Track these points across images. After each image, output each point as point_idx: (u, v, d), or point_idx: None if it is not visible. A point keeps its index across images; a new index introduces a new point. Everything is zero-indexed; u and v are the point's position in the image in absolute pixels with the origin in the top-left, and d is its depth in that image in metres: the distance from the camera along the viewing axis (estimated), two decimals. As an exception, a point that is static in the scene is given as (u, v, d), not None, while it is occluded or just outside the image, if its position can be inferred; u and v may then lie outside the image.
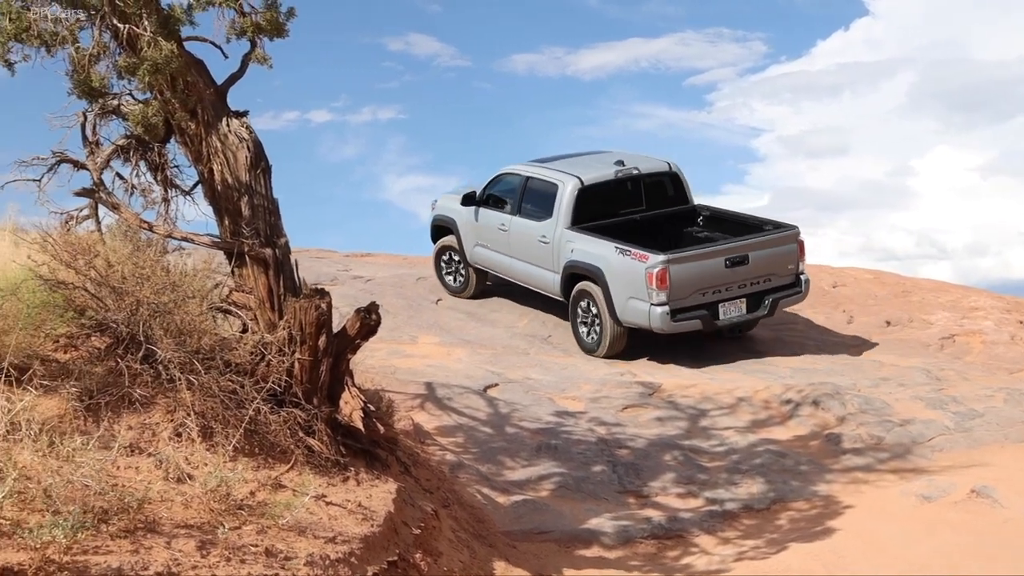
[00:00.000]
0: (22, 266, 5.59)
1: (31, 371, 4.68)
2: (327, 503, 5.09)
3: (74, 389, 4.91)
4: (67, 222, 6.35)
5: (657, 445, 8.89)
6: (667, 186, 12.86)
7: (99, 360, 5.36)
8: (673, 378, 10.85)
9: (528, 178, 12.81)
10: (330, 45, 38.63)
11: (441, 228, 13.89)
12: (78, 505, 3.88)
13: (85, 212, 6.34)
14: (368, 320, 5.82)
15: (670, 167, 12.88)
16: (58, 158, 6.17)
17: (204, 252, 6.59)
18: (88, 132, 6.30)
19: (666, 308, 10.90)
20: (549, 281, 12.34)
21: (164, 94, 5.34)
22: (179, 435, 5.09)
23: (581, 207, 12.09)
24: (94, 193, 6.02)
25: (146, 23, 5.02)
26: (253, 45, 5.81)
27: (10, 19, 4.86)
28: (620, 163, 12.50)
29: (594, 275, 11.53)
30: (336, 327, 5.89)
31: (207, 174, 5.95)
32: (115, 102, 6.02)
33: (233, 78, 5.98)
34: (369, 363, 8.75)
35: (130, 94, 6.06)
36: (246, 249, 5.80)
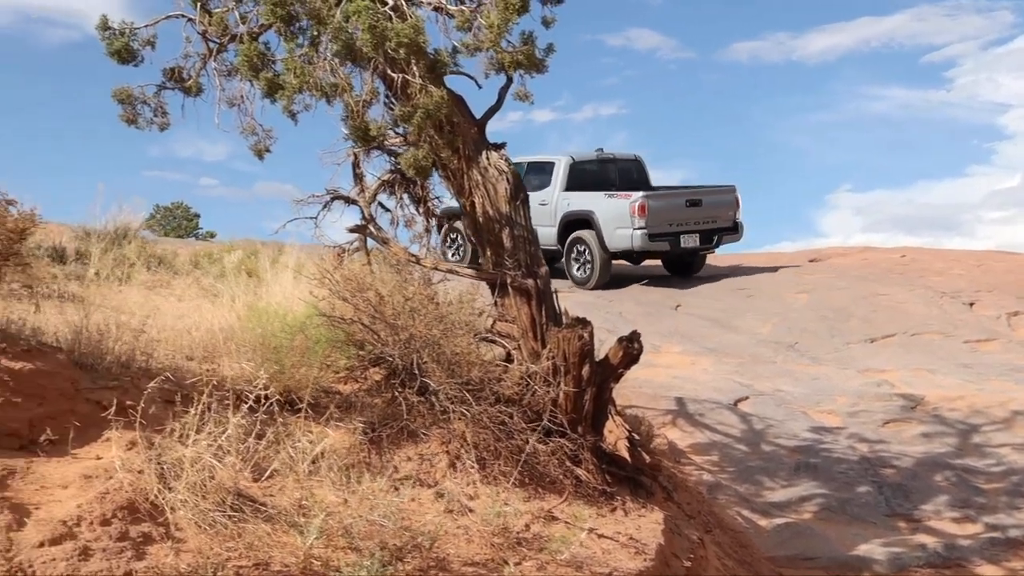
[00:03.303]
0: (305, 302, 5.96)
1: (328, 411, 4.95)
2: (599, 536, 5.11)
3: (359, 422, 5.16)
4: (339, 255, 6.70)
5: (925, 464, 8.38)
6: (634, 171, 17.22)
7: (377, 392, 5.62)
8: (935, 388, 10.22)
9: (529, 163, 16.55)
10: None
11: (448, 218, 18.07)
12: (375, 542, 4.07)
13: (355, 245, 6.66)
14: (631, 349, 5.80)
15: (636, 157, 17.45)
16: (332, 195, 6.52)
17: (464, 280, 6.78)
18: (356, 169, 6.64)
19: (644, 231, 15.07)
20: (547, 234, 15.55)
21: (432, 136, 5.52)
22: (454, 466, 5.25)
23: (571, 178, 16.32)
24: (365, 229, 6.32)
25: (415, 69, 5.19)
26: (509, 79, 5.90)
27: (295, 74, 5.15)
28: (600, 150, 17.05)
29: (587, 217, 15.62)
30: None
31: (469, 207, 6.11)
32: (380, 137, 6.26)
33: (491, 111, 6.11)
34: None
35: (392, 129, 6.32)
36: (509, 280, 5.92)
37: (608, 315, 13.75)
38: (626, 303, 14.43)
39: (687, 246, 15.72)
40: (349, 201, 6.62)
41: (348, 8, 4.86)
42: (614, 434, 5.95)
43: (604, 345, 6.11)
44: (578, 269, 15.81)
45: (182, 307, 7.02)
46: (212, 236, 34.70)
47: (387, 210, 7.16)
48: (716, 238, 15.98)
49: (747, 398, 9.81)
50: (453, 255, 16.69)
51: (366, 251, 6.54)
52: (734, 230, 16.17)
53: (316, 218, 6.59)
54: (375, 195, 6.60)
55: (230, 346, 5.76)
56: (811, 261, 18.53)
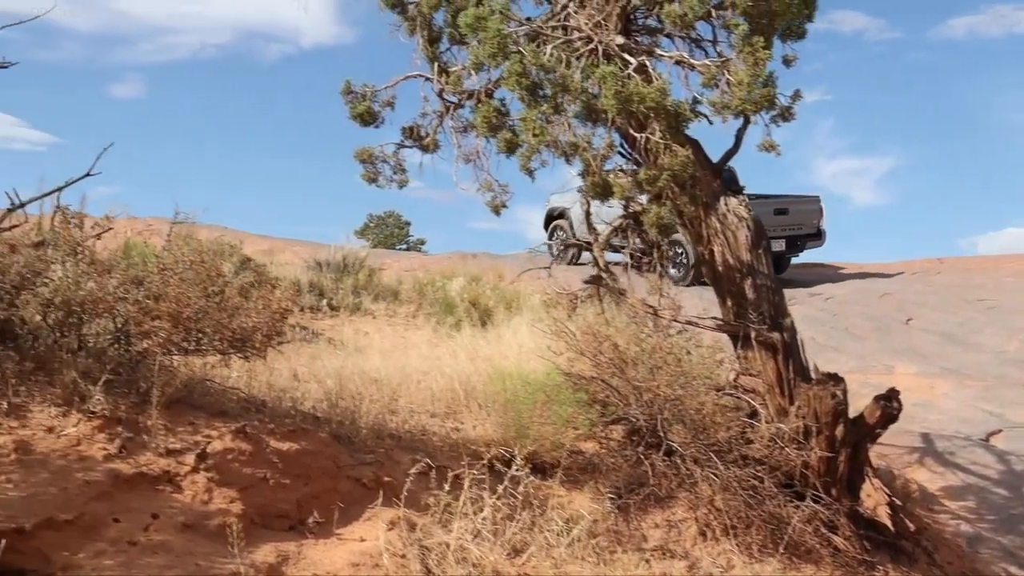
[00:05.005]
0: (543, 358, 5.92)
1: (578, 480, 4.89)
2: (863, 615, 4.81)
3: (605, 487, 5.07)
4: (571, 301, 6.64)
5: None
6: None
7: (620, 452, 5.51)
8: None
9: None
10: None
11: (552, 216, 17.69)
12: (636, 632, 3.96)
13: (587, 292, 6.58)
14: (889, 408, 5.44)
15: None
16: (564, 243, 6.47)
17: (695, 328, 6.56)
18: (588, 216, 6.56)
19: None
20: None
21: (675, 192, 5.35)
22: (704, 535, 5.08)
23: None
24: (601, 279, 6.22)
25: (655, 125, 5.02)
26: (747, 120, 5.62)
27: (533, 134, 5.09)
28: None
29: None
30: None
31: (708, 255, 5.90)
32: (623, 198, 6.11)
33: (728, 155, 5.87)
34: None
35: (620, 169, 6.18)
36: (753, 333, 5.66)
37: (833, 330, 13.13)
38: (852, 317, 13.74)
39: (774, 251, 17.16)
40: (581, 248, 6.55)
41: (594, 72, 4.76)
42: (872, 498, 5.58)
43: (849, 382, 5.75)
44: (672, 264, 16.92)
45: (420, 357, 7.15)
46: (422, 244, 35.85)
47: (618, 250, 7.07)
48: (800, 243, 17.12)
49: (1000, 431, 9.05)
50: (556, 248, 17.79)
51: (600, 300, 6.45)
52: (817, 236, 17.26)
53: (548, 268, 6.57)
54: (607, 241, 6.50)
55: (471, 404, 5.81)
56: (1056, 264, 17.06)
